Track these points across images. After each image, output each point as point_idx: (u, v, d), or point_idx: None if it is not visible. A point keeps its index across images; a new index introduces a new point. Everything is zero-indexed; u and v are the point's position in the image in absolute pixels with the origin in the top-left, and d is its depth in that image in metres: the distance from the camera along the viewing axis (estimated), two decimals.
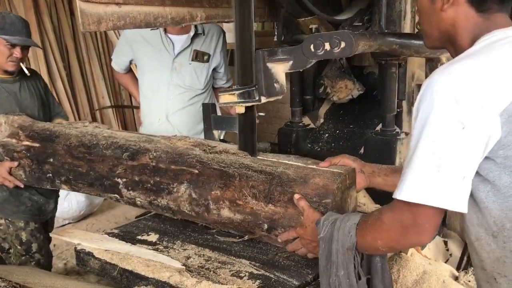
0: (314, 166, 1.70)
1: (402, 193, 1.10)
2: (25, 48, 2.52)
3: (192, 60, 2.92)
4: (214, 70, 3.05)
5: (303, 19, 2.12)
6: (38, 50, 4.61)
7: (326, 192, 1.56)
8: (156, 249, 1.79)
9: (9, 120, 2.40)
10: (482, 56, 1.09)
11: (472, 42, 1.16)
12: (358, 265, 1.32)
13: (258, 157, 1.85)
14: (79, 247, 1.84)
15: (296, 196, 1.57)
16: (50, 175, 2.21)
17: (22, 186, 2.41)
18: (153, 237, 1.90)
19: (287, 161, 1.78)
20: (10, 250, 2.61)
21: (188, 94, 2.95)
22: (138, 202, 1.95)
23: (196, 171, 1.80)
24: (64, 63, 4.91)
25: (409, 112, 2.22)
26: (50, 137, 2.24)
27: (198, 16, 2.10)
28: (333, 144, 2.35)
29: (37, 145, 2.27)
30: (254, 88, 1.73)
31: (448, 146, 1.04)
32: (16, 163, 2.34)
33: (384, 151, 2.10)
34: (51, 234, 2.17)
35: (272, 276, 1.57)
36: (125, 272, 1.66)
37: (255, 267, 1.63)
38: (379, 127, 2.19)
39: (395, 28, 2.05)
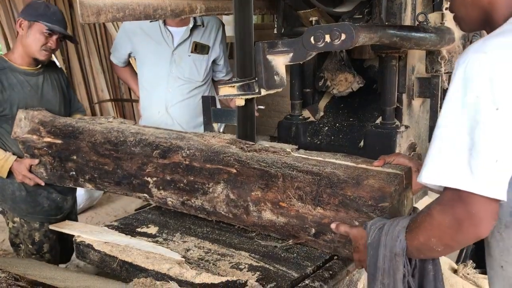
0: (366, 166, 1.60)
1: (425, 175, 1.05)
2: (60, 40, 2.45)
3: (192, 52, 2.91)
4: (214, 62, 3.04)
5: (303, 11, 2.11)
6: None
7: (382, 195, 1.45)
8: (156, 241, 1.79)
9: (29, 116, 2.31)
10: None
11: (506, 18, 1.12)
12: (409, 274, 1.21)
13: (301, 155, 1.77)
14: (78, 239, 1.84)
15: (333, 225, 1.46)
16: (74, 173, 2.13)
17: (43, 184, 2.35)
18: (152, 230, 1.90)
19: (334, 160, 1.69)
20: (21, 245, 2.57)
21: (187, 86, 2.94)
22: (170, 202, 1.88)
23: (234, 171, 1.72)
24: (63, 56, 4.90)
25: (409, 105, 2.22)
26: (73, 133, 2.16)
27: (197, 8, 2.09)
28: (332, 137, 2.34)
29: (59, 141, 2.18)
30: (254, 80, 1.73)
31: (480, 128, 0.99)
32: (36, 161, 2.27)
33: (384, 144, 2.10)
34: (50, 227, 2.15)
35: (271, 268, 1.57)
36: (124, 264, 1.66)
37: (254, 259, 1.63)
38: (379, 120, 2.19)
39: (396, 20, 2.04)
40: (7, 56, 2.46)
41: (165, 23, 2.89)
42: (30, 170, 2.32)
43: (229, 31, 3.24)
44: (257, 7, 2.45)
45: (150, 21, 2.82)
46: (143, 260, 1.64)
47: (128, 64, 3.20)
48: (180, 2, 2.04)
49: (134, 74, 3.18)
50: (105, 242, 1.78)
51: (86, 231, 1.89)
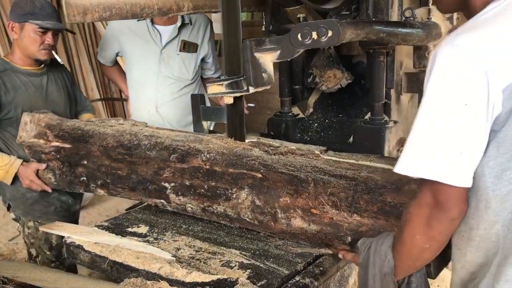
0: None
1: (399, 166, 1.09)
2: (55, 34, 2.32)
3: (180, 50, 2.90)
4: (203, 60, 3.03)
5: (290, 8, 2.11)
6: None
7: None
8: (147, 241, 1.79)
9: (35, 119, 2.22)
10: (491, 27, 1.05)
11: (484, 4, 1.11)
12: None
13: (331, 157, 1.70)
14: (68, 240, 1.83)
15: (340, 255, 1.48)
16: (84, 178, 2.06)
17: (50, 190, 2.26)
18: (143, 229, 1.90)
19: (369, 163, 1.62)
20: (38, 258, 2.44)
21: (177, 85, 2.93)
22: (189, 208, 1.82)
23: (260, 175, 1.65)
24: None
25: (397, 100, 2.23)
26: (82, 137, 2.08)
27: (185, 6, 2.08)
28: (322, 134, 2.35)
29: (68, 145, 2.11)
30: (242, 78, 1.72)
31: (448, 121, 1.02)
32: (44, 165, 2.17)
33: (373, 139, 2.10)
34: (40, 228, 2.13)
35: (262, 265, 1.57)
36: (115, 264, 1.66)
37: (245, 257, 1.63)
38: (367, 116, 2.19)
39: (383, 16, 2.04)
40: (8, 58, 2.35)
41: (152, 22, 2.88)
42: (37, 176, 2.23)
43: (218, 29, 3.23)
44: (245, 4, 2.45)
45: (138, 20, 2.81)
46: (133, 260, 1.64)
47: (115, 63, 3.18)
48: (167, 0, 2.03)
49: (122, 73, 3.16)
50: (95, 243, 1.77)
51: (76, 232, 1.88)
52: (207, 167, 1.76)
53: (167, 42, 2.88)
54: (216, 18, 3.59)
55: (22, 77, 2.33)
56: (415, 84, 2.19)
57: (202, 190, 1.75)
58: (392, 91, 2.18)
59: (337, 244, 1.54)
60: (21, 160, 2.29)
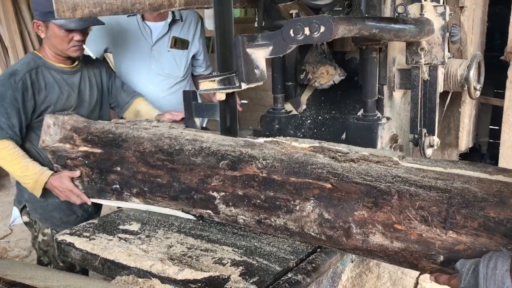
0: (504, 178, 1.36)
1: None
2: (85, 28, 2.21)
3: (171, 47, 2.88)
4: (194, 57, 3.02)
5: (283, 4, 2.10)
6: (16, 40, 4.51)
7: None
8: (138, 238, 1.78)
9: (59, 121, 2.08)
10: None
11: None
12: None
13: (411, 165, 1.54)
14: (60, 238, 1.82)
15: (431, 278, 1.37)
16: (117, 186, 1.94)
17: (89, 203, 2.09)
18: (135, 227, 1.89)
19: (459, 171, 1.45)
20: (50, 266, 2.35)
21: (167, 82, 2.92)
22: (241, 220, 1.70)
23: (329, 185, 1.51)
24: None
25: (390, 96, 2.23)
26: (114, 141, 1.95)
27: (176, 2, 2.07)
28: (315, 130, 2.34)
29: (98, 150, 1.97)
30: (234, 74, 1.72)
31: None
32: (77, 173, 2.01)
33: (365, 136, 2.10)
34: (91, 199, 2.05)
35: (254, 262, 1.56)
36: (106, 262, 1.65)
37: (237, 254, 1.63)
38: (360, 112, 2.19)
39: (375, 12, 2.04)
40: (41, 53, 2.25)
41: (143, 18, 2.85)
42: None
43: (210, 25, 3.21)
44: (237, 0, 2.44)
45: (128, 16, 2.79)
46: (125, 257, 1.63)
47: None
48: None
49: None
50: (87, 240, 1.76)
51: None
52: (264, 175, 1.62)
53: (157, 39, 2.86)
54: (209, 14, 3.58)
55: (55, 74, 2.24)
56: (408, 80, 2.19)
57: (258, 201, 1.62)
58: (385, 88, 2.18)
59: (424, 263, 1.41)
60: (51, 171, 2.15)
